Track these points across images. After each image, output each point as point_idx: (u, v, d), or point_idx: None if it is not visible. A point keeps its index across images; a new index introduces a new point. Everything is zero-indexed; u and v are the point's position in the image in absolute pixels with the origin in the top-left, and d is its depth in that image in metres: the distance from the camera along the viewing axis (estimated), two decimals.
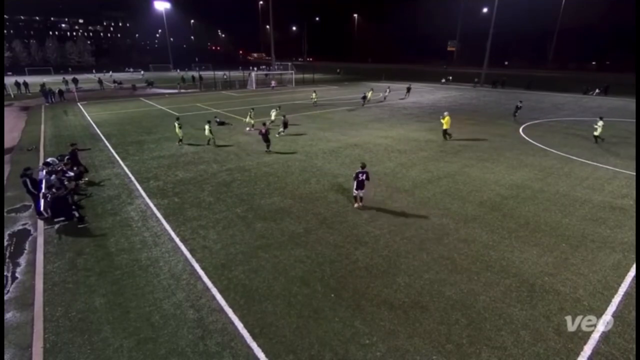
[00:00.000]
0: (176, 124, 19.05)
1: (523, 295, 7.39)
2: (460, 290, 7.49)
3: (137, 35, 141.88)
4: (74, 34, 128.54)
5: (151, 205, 11.65)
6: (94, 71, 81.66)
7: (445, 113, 20.41)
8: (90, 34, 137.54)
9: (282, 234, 9.77)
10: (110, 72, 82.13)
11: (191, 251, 8.93)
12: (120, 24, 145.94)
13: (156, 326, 6.64)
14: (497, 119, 26.05)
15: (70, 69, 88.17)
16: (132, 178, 14.19)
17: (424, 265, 8.34)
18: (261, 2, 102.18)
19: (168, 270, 8.20)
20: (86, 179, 13.99)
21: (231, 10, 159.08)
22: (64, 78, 52.92)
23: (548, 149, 17.99)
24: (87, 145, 19.21)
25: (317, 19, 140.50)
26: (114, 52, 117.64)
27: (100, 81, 52.21)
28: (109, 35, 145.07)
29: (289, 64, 65.93)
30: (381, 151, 17.84)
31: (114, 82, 54.33)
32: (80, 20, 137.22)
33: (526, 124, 24.03)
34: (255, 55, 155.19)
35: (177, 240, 9.46)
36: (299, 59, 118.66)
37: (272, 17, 65.09)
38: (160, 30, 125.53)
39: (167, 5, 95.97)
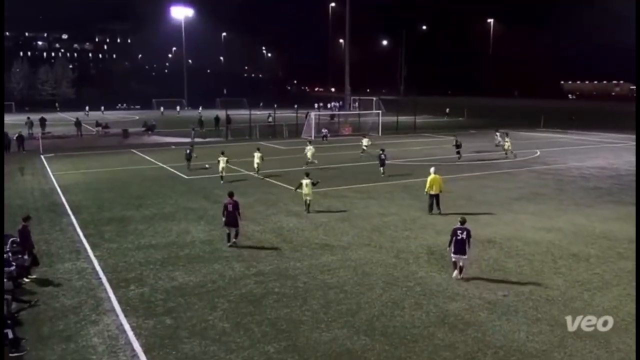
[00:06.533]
0: (257, 154, 30.58)
1: None
2: None
3: (140, 56, 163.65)
4: (52, 54, 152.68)
5: (127, 328, 11.98)
6: (87, 108, 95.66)
7: (432, 169, 22.42)
8: (75, 54, 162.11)
9: None
10: (87, 109, 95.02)
11: None
12: (118, 40, 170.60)
13: None
14: None
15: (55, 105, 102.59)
16: (104, 279, 15.01)
17: None
18: (332, 4, 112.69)
19: None
20: (34, 275, 15.13)
21: (284, 19, 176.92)
22: (28, 118, 61.64)
23: None
24: (45, 221, 21.24)
25: (424, 27, 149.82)
26: (105, 80, 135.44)
27: (77, 123, 59.57)
28: (100, 55, 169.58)
29: (374, 99, 69.09)
30: (539, 255, 17.22)
31: (97, 125, 61.67)
32: (64, 36, 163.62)
33: None
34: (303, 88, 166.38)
35: None
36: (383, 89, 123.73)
37: (348, 24, 70.85)
38: (174, 49, 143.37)
39: (189, 13, 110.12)
